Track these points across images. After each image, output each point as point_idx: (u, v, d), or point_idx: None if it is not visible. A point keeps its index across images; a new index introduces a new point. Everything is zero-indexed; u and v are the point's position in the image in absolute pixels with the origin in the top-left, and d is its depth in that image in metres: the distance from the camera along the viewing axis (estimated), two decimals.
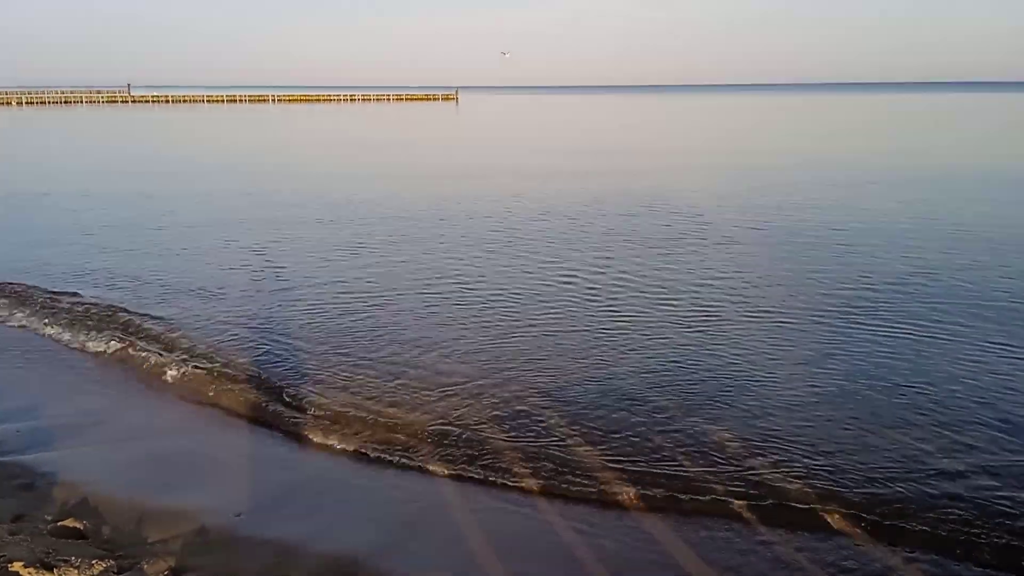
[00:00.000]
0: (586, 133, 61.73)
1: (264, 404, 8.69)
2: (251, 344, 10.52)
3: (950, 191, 24.85)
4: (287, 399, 8.78)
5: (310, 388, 9.05)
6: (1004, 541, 5.99)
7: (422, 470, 7.23)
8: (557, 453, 7.42)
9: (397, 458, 7.44)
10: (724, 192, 25.08)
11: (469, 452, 7.50)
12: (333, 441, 7.81)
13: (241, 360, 9.93)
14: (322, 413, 8.41)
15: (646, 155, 39.79)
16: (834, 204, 22.20)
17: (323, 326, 11.24)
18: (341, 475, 7.20)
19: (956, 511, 6.35)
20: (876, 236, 17.27)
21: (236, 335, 10.88)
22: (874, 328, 10.84)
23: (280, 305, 12.30)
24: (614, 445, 7.56)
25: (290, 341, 10.62)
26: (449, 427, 8.01)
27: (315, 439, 7.88)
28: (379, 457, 7.48)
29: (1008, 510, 6.37)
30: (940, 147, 43.94)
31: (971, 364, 9.49)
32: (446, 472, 7.18)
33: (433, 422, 8.13)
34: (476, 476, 7.10)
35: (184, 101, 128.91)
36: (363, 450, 7.62)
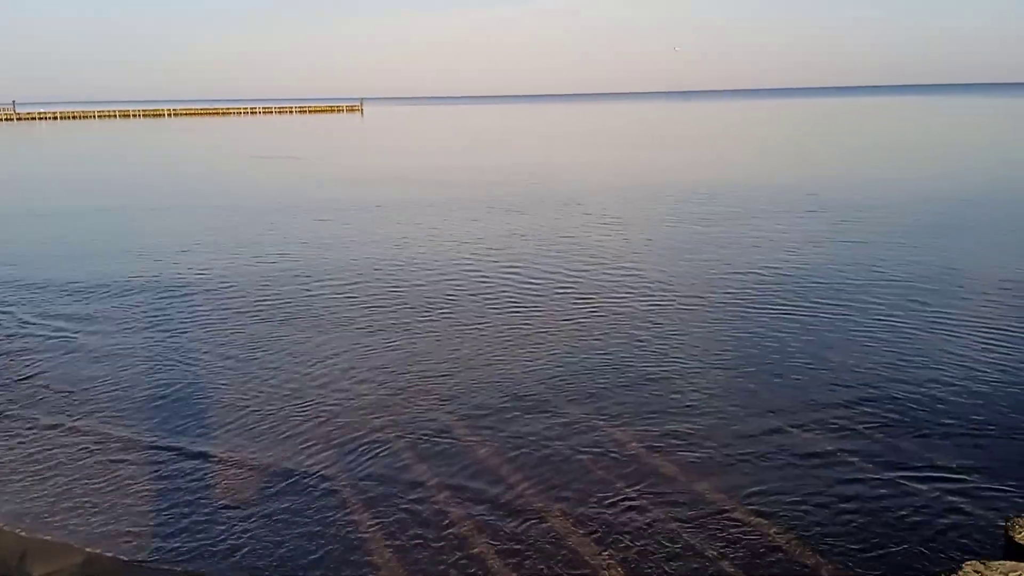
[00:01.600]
0: (478, 143, 61.99)
1: (157, 430, 8.39)
2: (145, 364, 10.16)
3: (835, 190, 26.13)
4: (179, 423, 8.51)
5: (204, 411, 8.80)
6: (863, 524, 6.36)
7: (325, 489, 7.11)
8: (456, 457, 7.47)
9: (298, 477, 7.29)
10: (628, 197, 25.68)
11: (372, 463, 7.44)
12: (231, 464, 7.60)
13: (132, 385, 9.59)
14: (218, 435, 8.18)
15: (550, 164, 40.28)
16: (730, 209, 23.02)
17: (220, 341, 10.95)
18: (241, 497, 7.00)
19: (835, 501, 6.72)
20: (760, 236, 18.07)
21: (128, 355, 10.50)
22: (764, 320, 11.32)
23: (174, 317, 11.91)
24: (512, 449, 7.64)
25: (181, 358, 10.31)
26: (350, 440, 7.94)
27: (213, 463, 7.64)
28: (280, 476, 7.32)
29: (866, 490, 6.78)
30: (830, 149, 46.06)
31: (846, 349, 10.03)
32: (348, 486, 7.08)
33: (334, 436, 8.05)
34: (377, 486, 7.04)
35: (74, 117, 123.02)
36: (260, 469, 7.44)
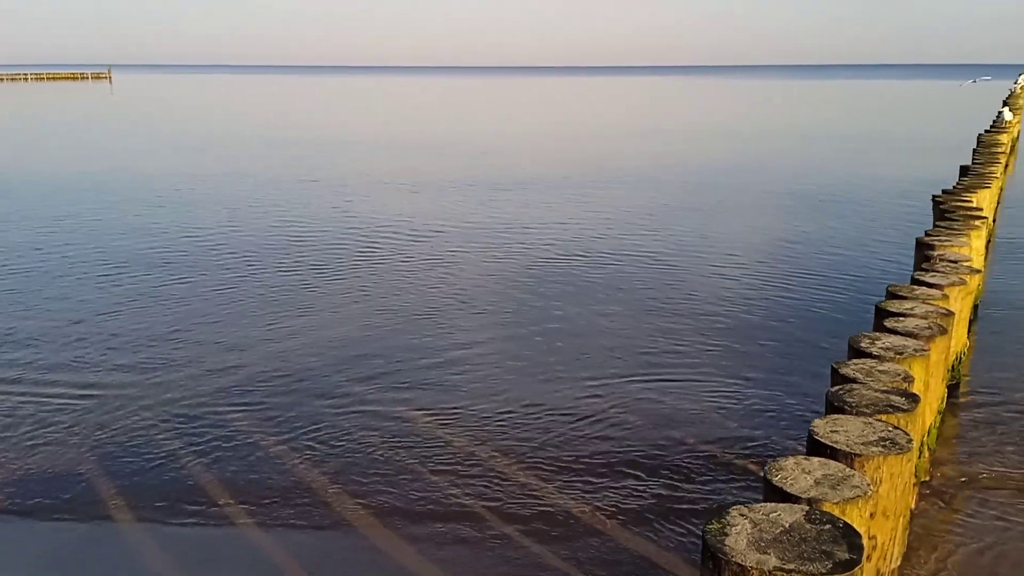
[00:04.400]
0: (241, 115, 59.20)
1: None
2: None
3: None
4: None
5: None
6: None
7: (82, 496, 6.38)
8: (237, 449, 7.01)
9: (47, 490, 6.48)
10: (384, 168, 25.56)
11: (140, 460, 6.78)
12: None
13: None
14: None
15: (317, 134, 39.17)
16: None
17: None
18: None
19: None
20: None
21: None
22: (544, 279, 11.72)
23: None
24: (290, 427, 7.34)
25: None
26: (114, 438, 7.19)
27: None
28: (30, 485, 6.45)
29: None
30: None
31: (623, 299, 10.62)
32: (114, 493, 6.40)
33: (82, 433, 7.25)
34: (145, 481, 6.43)
35: None
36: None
